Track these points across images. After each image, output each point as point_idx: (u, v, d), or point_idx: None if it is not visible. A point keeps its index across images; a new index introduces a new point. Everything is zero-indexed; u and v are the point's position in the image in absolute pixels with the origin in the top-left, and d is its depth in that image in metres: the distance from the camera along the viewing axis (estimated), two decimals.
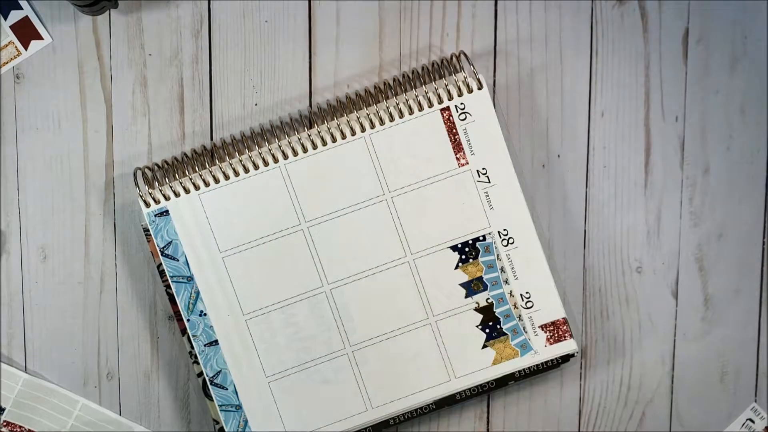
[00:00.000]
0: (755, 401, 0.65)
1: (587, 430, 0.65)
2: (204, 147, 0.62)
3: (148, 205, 0.60)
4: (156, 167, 0.61)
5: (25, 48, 0.62)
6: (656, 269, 0.64)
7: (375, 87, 0.62)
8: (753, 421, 0.65)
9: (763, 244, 0.65)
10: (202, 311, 0.61)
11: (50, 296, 0.63)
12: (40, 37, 0.62)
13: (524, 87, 0.63)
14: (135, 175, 0.61)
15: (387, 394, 0.62)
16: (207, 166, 0.61)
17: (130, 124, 0.63)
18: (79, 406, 0.63)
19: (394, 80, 0.62)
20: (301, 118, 0.62)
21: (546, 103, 0.63)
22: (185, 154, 0.62)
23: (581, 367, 0.65)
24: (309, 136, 0.61)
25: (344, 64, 0.63)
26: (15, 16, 0.62)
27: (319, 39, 0.63)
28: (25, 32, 0.62)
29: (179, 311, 0.61)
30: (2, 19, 0.62)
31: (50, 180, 0.63)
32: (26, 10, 0.62)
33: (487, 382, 0.62)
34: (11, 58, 0.62)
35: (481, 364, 0.62)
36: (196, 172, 0.61)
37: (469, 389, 0.62)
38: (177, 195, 0.60)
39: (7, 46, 0.62)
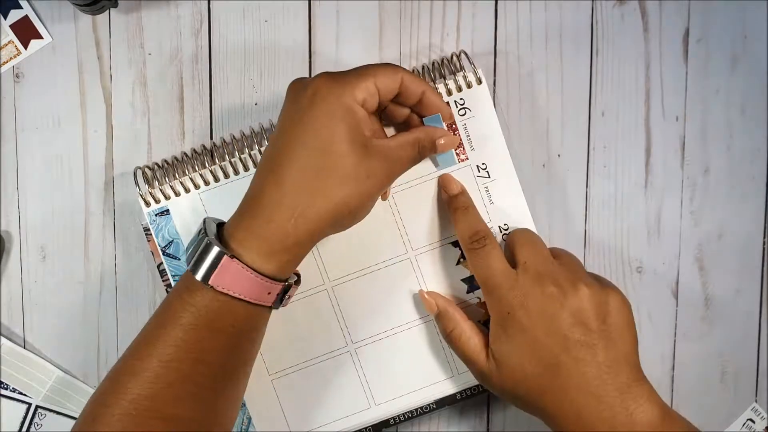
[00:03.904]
0: (755, 401, 0.65)
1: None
2: (204, 146, 0.62)
3: (148, 204, 0.60)
4: (156, 166, 0.61)
5: (25, 47, 0.62)
6: (656, 269, 0.64)
7: None
8: (753, 421, 0.65)
9: (763, 244, 0.65)
10: None
11: (50, 296, 0.63)
12: (39, 37, 0.62)
13: (524, 87, 0.63)
14: (135, 174, 0.61)
15: (390, 391, 0.62)
16: (207, 165, 0.61)
17: (129, 124, 0.63)
18: None
19: None
20: None
21: (546, 103, 0.63)
22: (185, 153, 0.62)
23: None
24: None
25: (344, 64, 0.63)
26: (15, 15, 0.62)
27: (319, 39, 0.63)
28: (25, 31, 0.62)
29: None
30: (2, 18, 0.62)
31: (50, 179, 0.63)
32: (26, 10, 0.62)
33: None
34: (11, 58, 0.62)
35: None
36: (196, 171, 0.61)
37: (470, 389, 0.62)
38: (177, 194, 0.60)
39: (6, 45, 0.62)
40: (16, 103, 0.62)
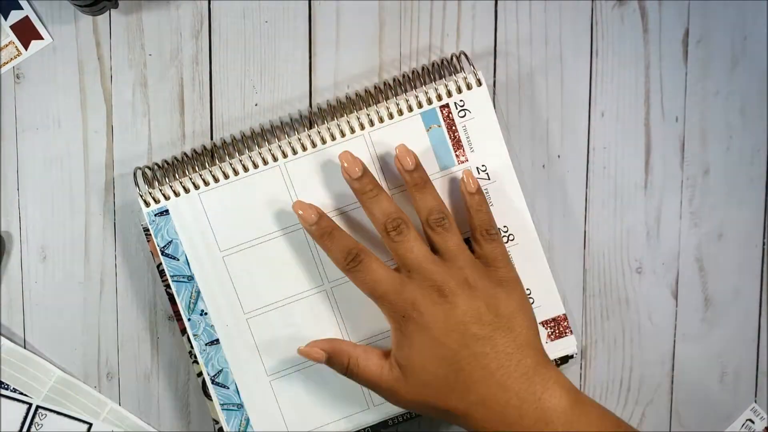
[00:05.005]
0: (755, 401, 0.65)
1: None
2: (204, 147, 0.62)
3: (147, 204, 0.60)
4: (156, 167, 0.61)
5: (25, 48, 0.62)
6: (656, 269, 0.64)
7: (375, 87, 0.62)
8: (753, 422, 0.65)
9: (763, 244, 0.65)
10: (202, 310, 0.61)
11: (50, 296, 0.63)
12: (40, 37, 0.62)
13: (524, 87, 0.63)
14: (135, 174, 0.61)
15: None
16: (207, 166, 0.61)
17: (130, 124, 0.63)
18: (107, 409, 0.63)
19: (394, 80, 0.61)
20: (301, 118, 0.62)
21: (546, 104, 0.63)
22: (185, 153, 0.62)
23: (581, 368, 0.65)
24: (309, 135, 0.61)
25: (344, 64, 0.63)
26: (15, 16, 0.62)
27: (319, 39, 0.63)
28: (26, 32, 0.62)
29: (179, 311, 0.61)
30: (2, 18, 0.62)
31: (50, 180, 0.63)
32: (26, 10, 0.62)
33: None
34: (11, 58, 0.62)
35: None
36: (196, 171, 0.61)
37: None
38: (177, 194, 0.60)
39: (7, 46, 0.62)
40: (16, 103, 0.62)
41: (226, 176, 0.60)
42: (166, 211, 0.60)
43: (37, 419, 0.63)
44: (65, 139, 0.63)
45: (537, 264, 0.62)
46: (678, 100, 0.64)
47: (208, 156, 0.62)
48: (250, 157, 0.60)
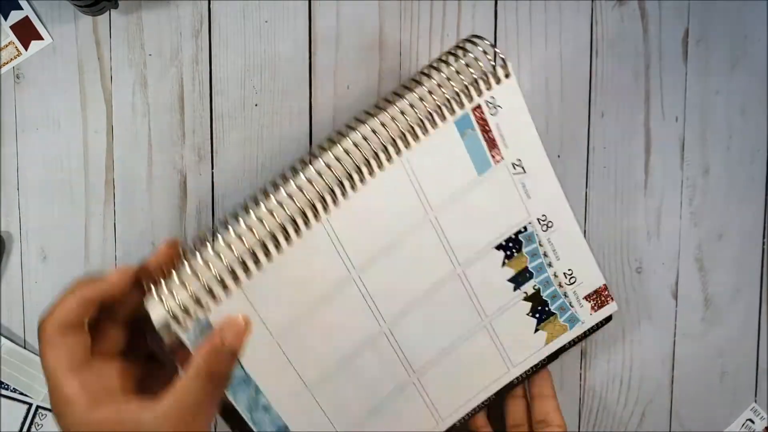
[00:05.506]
0: (755, 401, 0.66)
1: (587, 430, 0.65)
2: (205, 236, 0.53)
3: (186, 329, 0.51)
4: (174, 292, 0.51)
5: (26, 48, 0.62)
6: (656, 269, 0.65)
7: (401, 88, 0.57)
8: (753, 422, 0.65)
9: (763, 244, 0.65)
10: (264, 405, 0.56)
11: (50, 297, 0.63)
12: (40, 38, 0.62)
13: (524, 87, 0.63)
14: (166, 325, 0.50)
15: (454, 403, 0.60)
16: (232, 251, 0.52)
17: (130, 124, 0.63)
18: None
19: (419, 78, 0.56)
20: (321, 146, 0.56)
21: (546, 104, 0.63)
22: (213, 233, 0.53)
23: (581, 368, 0.65)
24: (340, 182, 0.54)
25: (344, 64, 0.63)
26: (15, 16, 0.62)
27: (319, 39, 0.63)
28: (25, 32, 0.62)
29: (238, 413, 0.55)
30: (2, 19, 0.62)
31: (50, 180, 0.63)
32: (26, 11, 0.62)
33: (541, 361, 0.61)
34: (11, 58, 0.62)
35: (534, 348, 0.61)
36: (223, 264, 0.51)
37: (524, 372, 0.61)
38: (218, 301, 0.52)
39: (7, 46, 0.62)
40: (16, 103, 0.62)
41: (267, 254, 0.52)
42: (210, 325, 0.52)
43: (37, 419, 0.63)
44: (65, 139, 0.63)
45: (575, 242, 0.60)
46: (678, 99, 0.64)
47: (238, 239, 0.52)
48: (285, 227, 0.53)
